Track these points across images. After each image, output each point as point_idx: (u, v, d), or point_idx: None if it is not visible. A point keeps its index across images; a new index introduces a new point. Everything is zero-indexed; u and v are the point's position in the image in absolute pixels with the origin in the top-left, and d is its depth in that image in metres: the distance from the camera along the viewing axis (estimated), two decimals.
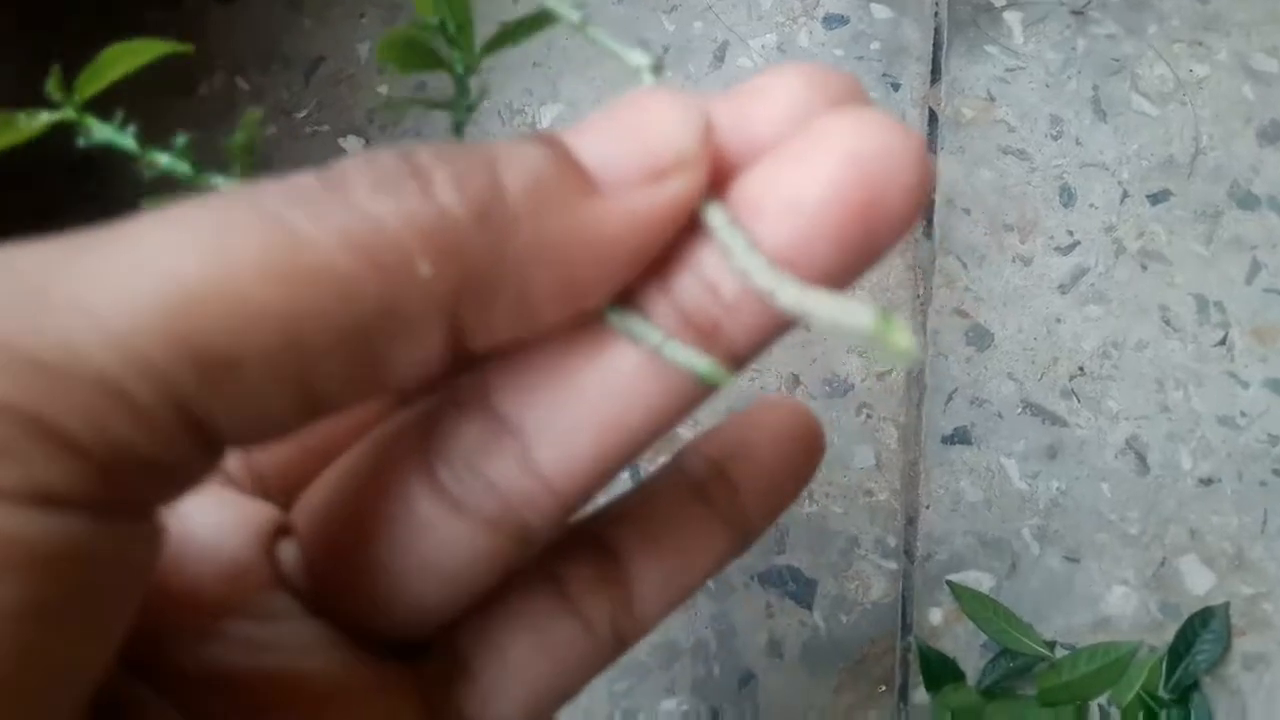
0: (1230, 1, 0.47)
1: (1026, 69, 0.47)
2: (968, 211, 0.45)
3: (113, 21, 0.49)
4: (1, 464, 0.10)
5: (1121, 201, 0.44)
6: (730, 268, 0.13)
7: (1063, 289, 0.44)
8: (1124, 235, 0.44)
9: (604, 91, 0.48)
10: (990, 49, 0.47)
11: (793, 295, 0.13)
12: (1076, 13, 0.48)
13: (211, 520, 0.15)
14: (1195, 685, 0.39)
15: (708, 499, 0.17)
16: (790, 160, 0.13)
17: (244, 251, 0.11)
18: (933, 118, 0.47)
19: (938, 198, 0.45)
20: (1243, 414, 0.42)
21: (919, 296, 0.44)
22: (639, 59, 0.16)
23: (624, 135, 0.13)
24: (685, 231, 0.14)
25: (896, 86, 0.47)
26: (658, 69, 0.16)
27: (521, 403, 0.14)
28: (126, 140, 0.16)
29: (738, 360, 0.14)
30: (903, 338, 0.12)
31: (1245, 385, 0.42)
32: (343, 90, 0.48)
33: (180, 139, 0.15)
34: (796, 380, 0.43)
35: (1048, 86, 0.47)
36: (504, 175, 0.13)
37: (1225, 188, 0.44)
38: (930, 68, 0.47)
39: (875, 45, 0.48)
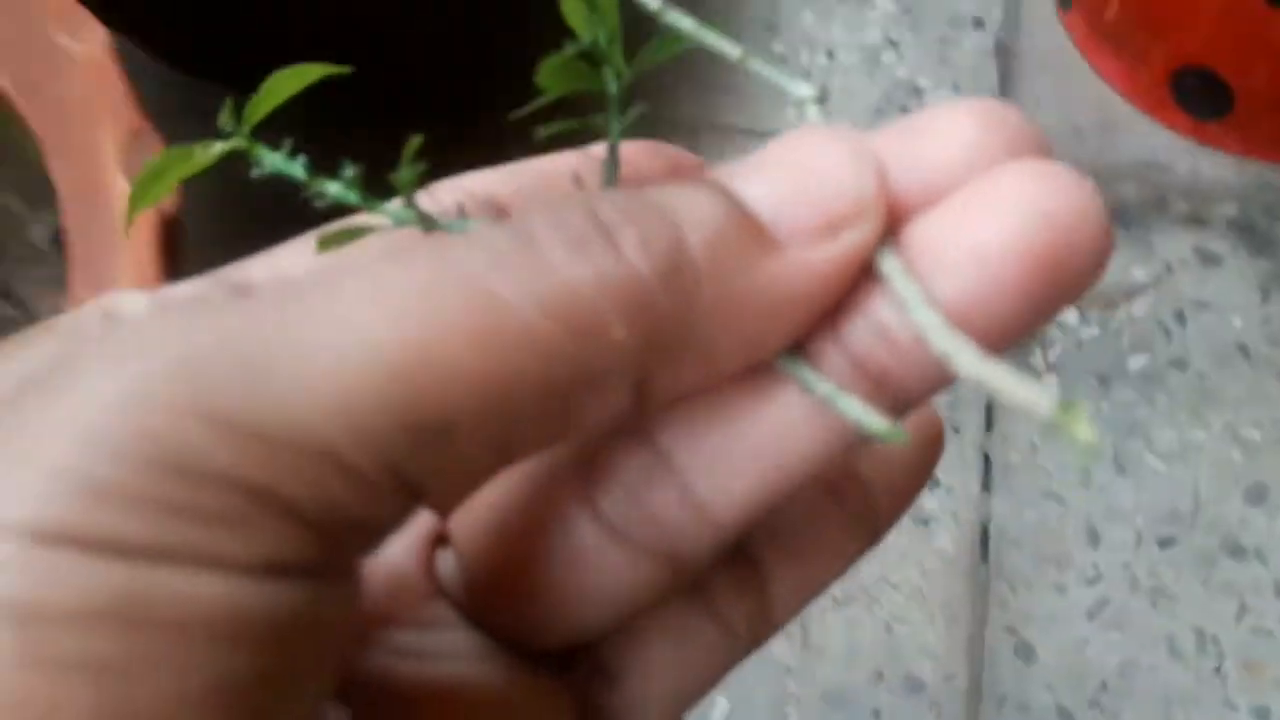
0: (1224, 381, 0.60)
1: None
2: (1016, 544, 0.56)
3: None
4: (235, 537, 0.11)
5: (1137, 545, 0.56)
6: (904, 320, 0.13)
7: (1090, 615, 0.55)
8: (1138, 573, 0.55)
9: None
10: None
11: (971, 363, 0.12)
12: (1101, 380, 0.60)
13: None
14: None
15: (840, 498, 0.18)
16: (973, 209, 0.13)
17: (452, 320, 0.12)
18: (987, 461, 0.58)
19: (993, 529, 0.57)
20: None
21: (977, 614, 0.55)
22: (803, 90, 0.15)
23: (796, 182, 0.13)
24: (858, 277, 0.14)
25: (957, 430, 0.59)
26: (822, 100, 0.15)
27: (686, 440, 0.14)
28: (296, 169, 0.16)
29: (906, 406, 0.14)
30: (1084, 429, 0.12)
31: (1235, 709, 0.53)
32: None
33: (349, 169, 0.15)
34: (880, 676, 0.54)
35: None
36: (687, 234, 0.13)
37: (1219, 539, 0.56)
38: (984, 419, 0.59)
39: (940, 395, 0.60)
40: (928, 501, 0.58)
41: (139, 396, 0.10)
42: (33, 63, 0.40)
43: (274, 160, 0.16)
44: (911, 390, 0.14)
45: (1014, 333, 0.13)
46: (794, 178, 0.13)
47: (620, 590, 0.15)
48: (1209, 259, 0.64)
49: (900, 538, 0.57)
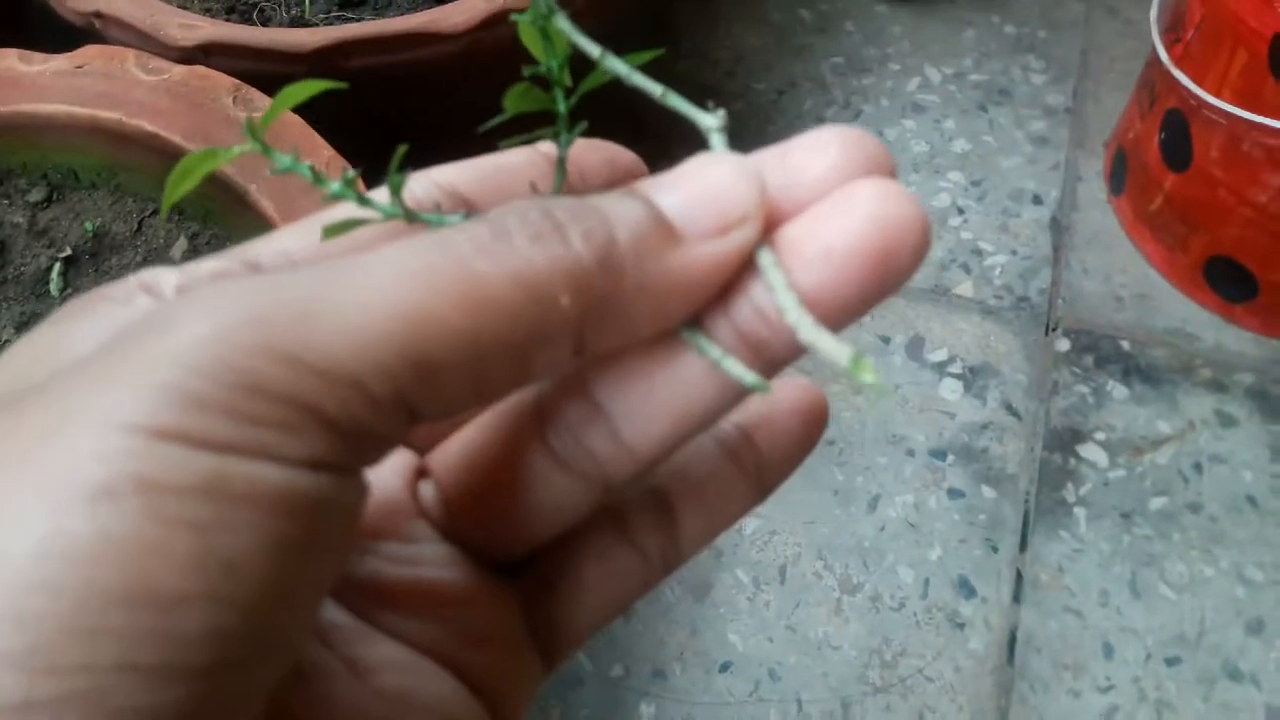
0: (1233, 527, 0.68)
1: (1086, 552, 0.67)
2: (1039, 650, 0.64)
3: None
4: (290, 439, 0.14)
5: (1146, 661, 0.64)
6: (773, 300, 0.16)
7: (1101, 719, 0.62)
8: (1146, 686, 0.63)
9: (795, 513, 0.69)
10: (1063, 533, 0.68)
11: (809, 330, 0.16)
12: (1124, 515, 0.68)
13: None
14: None
15: (737, 460, 0.21)
16: (825, 217, 0.16)
17: (446, 289, 0.15)
18: (1019, 576, 0.67)
19: (1020, 636, 0.65)
20: None
21: (1001, 708, 0.63)
22: (709, 121, 0.18)
23: (699, 194, 0.16)
24: (742, 267, 0.17)
25: (995, 549, 0.68)
26: (724, 130, 0.18)
27: (614, 392, 0.17)
28: (303, 169, 0.18)
29: (776, 368, 0.17)
30: (869, 374, 0.15)
31: None
32: None
33: (349, 172, 0.18)
34: None
35: (1099, 567, 0.67)
36: (617, 230, 0.16)
37: (1219, 662, 0.63)
38: (1020, 540, 0.68)
39: (983, 516, 0.69)
40: (964, 608, 0.66)
41: (223, 337, 0.14)
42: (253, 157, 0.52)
43: (284, 161, 0.18)
44: (780, 354, 0.17)
45: (855, 309, 0.16)
46: (698, 191, 0.16)
47: (562, 510, 0.18)
48: (1227, 420, 0.73)
49: (938, 637, 0.65)
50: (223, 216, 0.54)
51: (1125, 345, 0.76)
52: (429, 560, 0.19)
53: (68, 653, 0.12)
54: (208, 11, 0.63)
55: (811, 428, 0.21)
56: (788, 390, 0.21)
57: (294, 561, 0.14)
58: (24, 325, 0.51)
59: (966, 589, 0.66)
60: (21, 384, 0.15)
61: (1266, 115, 0.65)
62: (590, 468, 0.18)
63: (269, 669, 0.14)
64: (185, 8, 0.62)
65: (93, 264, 0.54)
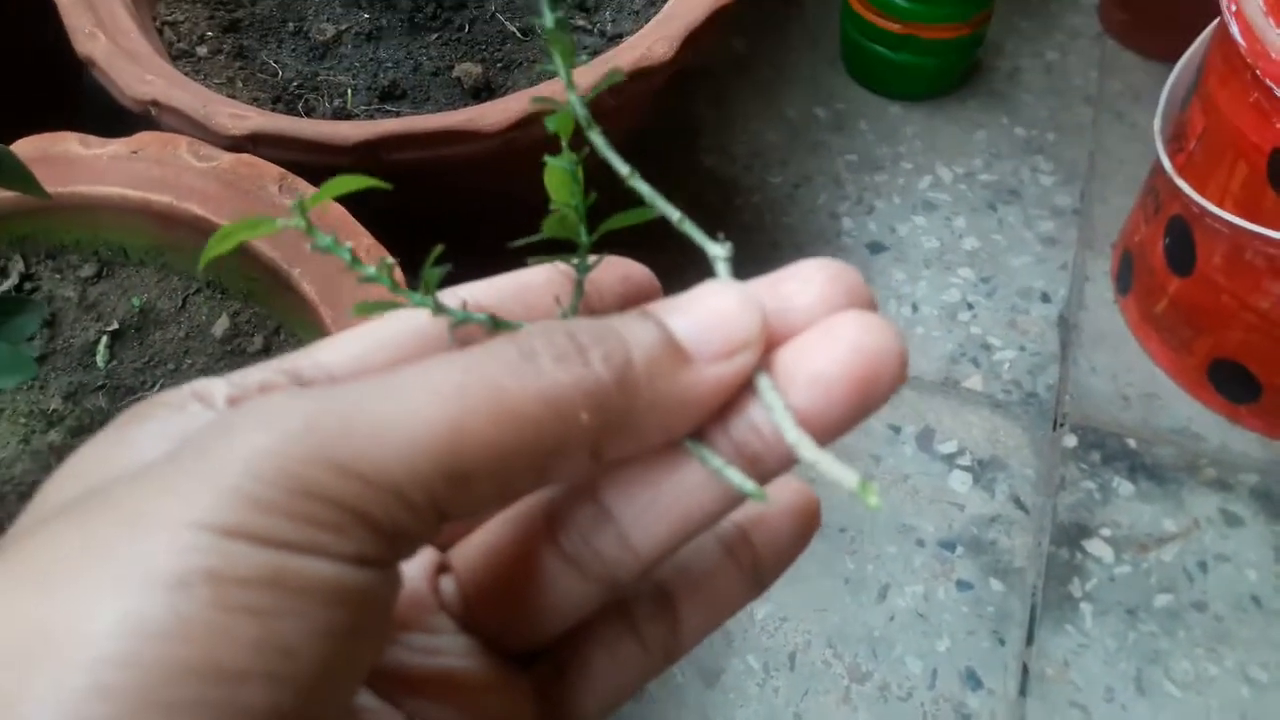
0: (1238, 626, 0.69)
1: (1091, 647, 0.68)
2: None
3: None
4: (341, 539, 0.15)
5: None
6: (770, 419, 0.18)
7: None
8: None
9: (806, 600, 0.70)
10: (1069, 628, 0.69)
11: (809, 451, 0.17)
12: (1129, 612, 0.69)
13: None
14: None
15: (735, 557, 0.22)
16: (813, 345, 0.18)
17: (477, 406, 0.16)
18: (1025, 669, 0.67)
19: None
20: None
21: None
22: (716, 250, 0.19)
23: (708, 319, 0.18)
24: (741, 388, 0.18)
25: (1002, 642, 0.69)
26: (729, 260, 0.19)
27: (622, 498, 0.19)
28: (343, 252, 0.19)
29: (767, 479, 0.18)
30: (873, 498, 0.16)
31: None
32: None
33: (387, 259, 0.19)
34: None
35: (1105, 663, 0.67)
36: (634, 351, 0.17)
37: None
38: (1027, 633, 0.69)
39: (990, 609, 0.70)
40: (971, 700, 0.66)
41: (282, 447, 0.15)
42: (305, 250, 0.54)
43: (325, 240, 0.19)
44: (771, 467, 0.18)
45: (841, 428, 0.18)
46: (706, 316, 0.18)
47: (572, 605, 0.20)
48: (1232, 519, 0.74)
49: None
50: (265, 297, 0.56)
51: (1131, 443, 0.78)
52: (449, 650, 0.20)
53: None
54: (255, 101, 0.67)
55: (805, 528, 0.22)
56: (782, 492, 0.22)
57: (341, 646, 0.15)
58: (71, 395, 0.53)
59: (973, 681, 0.67)
60: (88, 486, 0.16)
61: (1267, 226, 0.67)
62: (598, 568, 0.19)
63: None
64: (234, 97, 0.66)
65: (138, 338, 0.56)
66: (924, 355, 0.83)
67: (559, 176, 0.20)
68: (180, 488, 0.15)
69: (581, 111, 0.20)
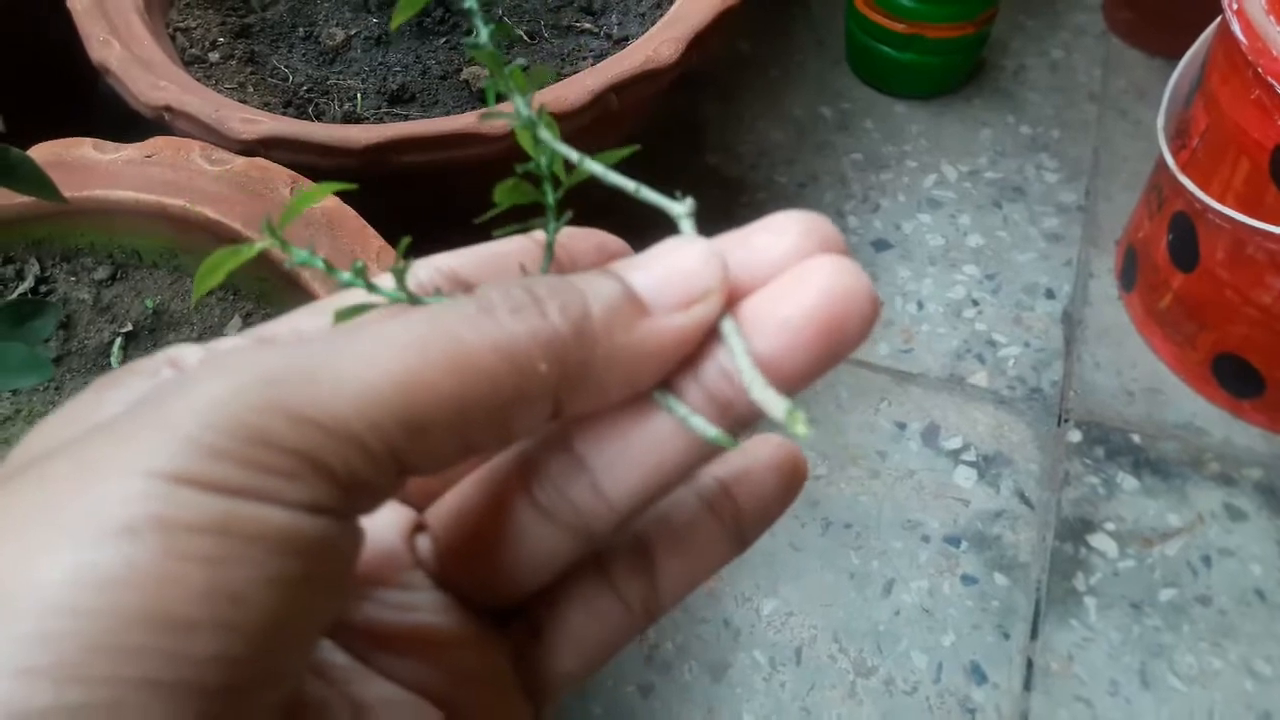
0: (1242, 620, 0.69)
1: (1095, 641, 0.69)
2: None
3: None
4: (293, 486, 0.15)
5: None
6: (734, 364, 0.18)
7: None
8: None
9: (812, 595, 0.71)
10: (1073, 622, 0.69)
11: (758, 388, 0.17)
12: (1134, 606, 0.70)
13: (373, 519, 0.17)
14: None
15: (716, 512, 0.22)
16: (782, 291, 0.18)
17: (434, 356, 0.16)
18: (1030, 663, 0.68)
19: None
20: None
21: None
22: (678, 208, 0.20)
23: (668, 272, 0.18)
24: (709, 335, 0.18)
25: (1007, 636, 0.69)
26: (692, 215, 0.20)
27: (594, 448, 0.19)
28: (316, 262, 0.20)
29: (743, 425, 0.19)
30: (800, 426, 0.17)
31: None
32: None
33: (358, 263, 0.19)
34: None
35: (1109, 657, 0.68)
36: (591, 303, 0.17)
37: None
38: (1031, 627, 0.69)
39: (995, 603, 0.70)
40: (976, 694, 0.67)
41: (236, 396, 0.15)
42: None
43: (300, 255, 0.20)
44: (745, 413, 0.18)
45: (810, 373, 0.18)
46: (666, 269, 0.18)
47: (547, 559, 0.20)
48: (1236, 514, 0.74)
49: None
50: (277, 298, 0.57)
51: (1136, 438, 0.78)
52: (423, 606, 0.20)
53: (92, 666, 0.13)
54: (266, 105, 0.68)
55: (789, 483, 0.22)
56: (766, 447, 0.22)
57: (294, 596, 0.15)
58: None
59: (978, 675, 0.68)
60: (54, 442, 0.16)
61: (1269, 221, 0.67)
62: (572, 518, 0.19)
63: (271, 694, 0.15)
64: (246, 102, 0.67)
65: (151, 339, 0.57)
66: (929, 352, 0.83)
67: (524, 135, 0.20)
68: (134, 437, 0.15)
69: (526, 112, 0.20)
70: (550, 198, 0.20)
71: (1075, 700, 0.66)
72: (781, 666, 0.68)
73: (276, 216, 0.56)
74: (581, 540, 0.19)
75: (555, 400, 0.17)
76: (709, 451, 0.19)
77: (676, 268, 0.18)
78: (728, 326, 0.18)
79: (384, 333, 0.16)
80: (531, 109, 0.20)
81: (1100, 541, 0.73)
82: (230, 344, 0.19)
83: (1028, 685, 0.67)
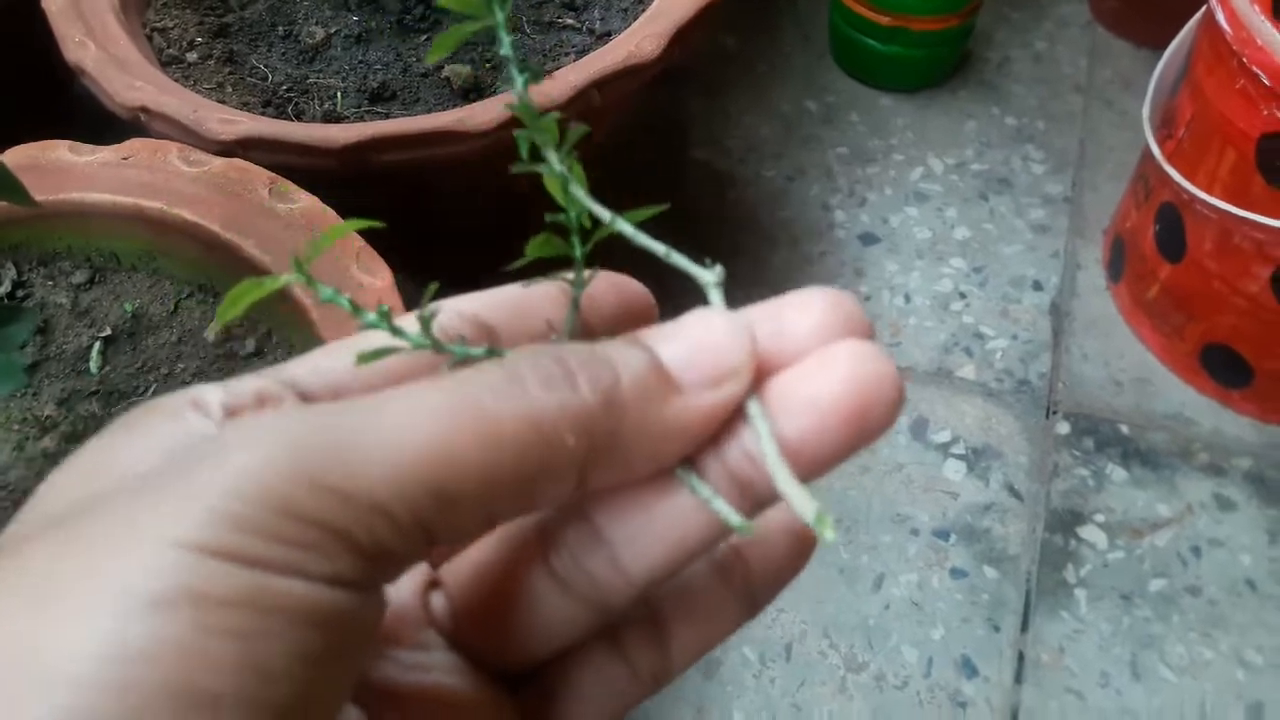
0: (1232, 610, 0.69)
1: (1086, 633, 0.68)
2: None
3: None
4: (320, 559, 0.15)
5: None
6: (758, 447, 0.18)
7: None
8: None
9: (801, 591, 0.70)
10: (1063, 614, 0.69)
11: (784, 480, 0.17)
12: (1124, 597, 0.70)
13: None
14: None
15: (727, 577, 0.22)
16: (810, 373, 0.18)
17: (463, 429, 0.16)
18: (1020, 656, 0.68)
19: (1021, 715, 0.66)
20: None
21: None
22: (708, 277, 0.19)
23: (696, 347, 0.18)
24: (734, 414, 0.18)
25: (997, 629, 0.69)
26: (720, 285, 0.19)
27: (615, 522, 0.19)
28: (342, 301, 0.19)
29: (762, 507, 0.19)
30: (829, 532, 0.17)
31: None
32: None
33: (383, 307, 0.19)
34: None
35: (1100, 648, 0.68)
36: (622, 377, 0.17)
37: None
38: (1021, 620, 0.69)
39: (985, 596, 0.70)
40: (966, 687, 0.67)
41: (265, 466, 0.15)
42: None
43: (326, 293, 0.20)
44: (765, 494, 0.18)
45: (835, 458, 0.18)
46: (695, 344, 0.18)
47: (562, 627, 0.20)
48: (1225, 504, 0.74)
49: (941, 717, 0.66)
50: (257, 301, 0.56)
51: (1124, 429, 0.78)
52: (437, 667, 0.20)
53: None
54: (245, 105, 0.67)
55: (801, 548, 0.22)
56: (779, 512, 0.21)
57: (320, 668, 0.15)
58: (65, 401, 0.54)
59: (969, 669, 0.67)
60: (77, 498, 0.16)
61: (1255, 211, 0.67)
62: (589, 590, 0.19)
63: None
64: (224, 102, 0.66)
65: (130, 343, 0.57)
66: (917, 345, 0.83)
67: (555, 184, 0.20)
68: (164, 506, 0.15)
69: (559, 168, 0.20)
70: (578, 251, 0.20)
71: (1066, 692, 0.66)
72: (771, 663, 0.68)
73: (255, 218, 0.56)
74: (597, 613, 0.19)
75: (580, 473, 0.17)
76: (728, 531, 0.19)
77: (707, 342, 0.18)
78: (754, 408, 0.18)
79: (412, 401, 0.16)
80: (559, 161, 0.20)
81: (1090, 533, 0.73)
82: (254, 386, 0.19)
83: (1019, 678, 0.67)
